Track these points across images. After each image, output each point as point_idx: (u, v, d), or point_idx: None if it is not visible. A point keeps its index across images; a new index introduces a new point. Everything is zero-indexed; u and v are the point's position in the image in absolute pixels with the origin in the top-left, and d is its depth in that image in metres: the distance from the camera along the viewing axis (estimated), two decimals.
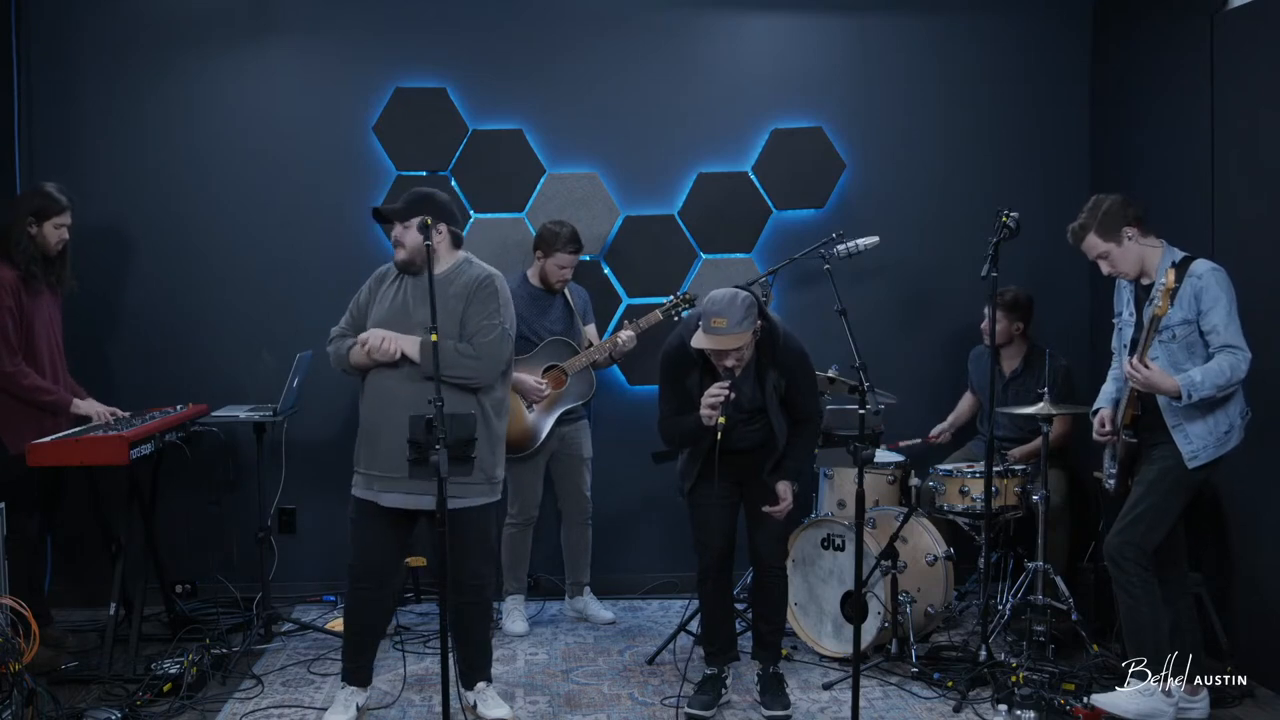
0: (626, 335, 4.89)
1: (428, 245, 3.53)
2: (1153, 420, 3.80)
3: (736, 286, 3.81)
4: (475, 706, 3.85)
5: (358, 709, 3.82)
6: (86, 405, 4.49)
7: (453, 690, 3.40)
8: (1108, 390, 4.07)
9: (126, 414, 4.64)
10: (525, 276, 4.96)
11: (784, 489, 3.90)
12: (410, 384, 3.63)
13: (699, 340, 3.69)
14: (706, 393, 3.73)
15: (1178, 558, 3.95)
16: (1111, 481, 4.00)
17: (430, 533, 3.79)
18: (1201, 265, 3.73)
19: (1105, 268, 3.85)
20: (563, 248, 4.83)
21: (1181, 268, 3.72)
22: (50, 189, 4.43)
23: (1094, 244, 3.83)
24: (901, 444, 5.12)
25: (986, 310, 4.91)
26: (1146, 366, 3.67)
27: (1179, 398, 3.64)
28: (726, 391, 3.68)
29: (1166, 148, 4.85)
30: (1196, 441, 3.72)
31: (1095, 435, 4.01)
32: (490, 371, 3.69)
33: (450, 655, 3.45)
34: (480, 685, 3.89)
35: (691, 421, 3.79)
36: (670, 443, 4.01)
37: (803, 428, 3.93)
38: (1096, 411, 4.03)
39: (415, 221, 3.67)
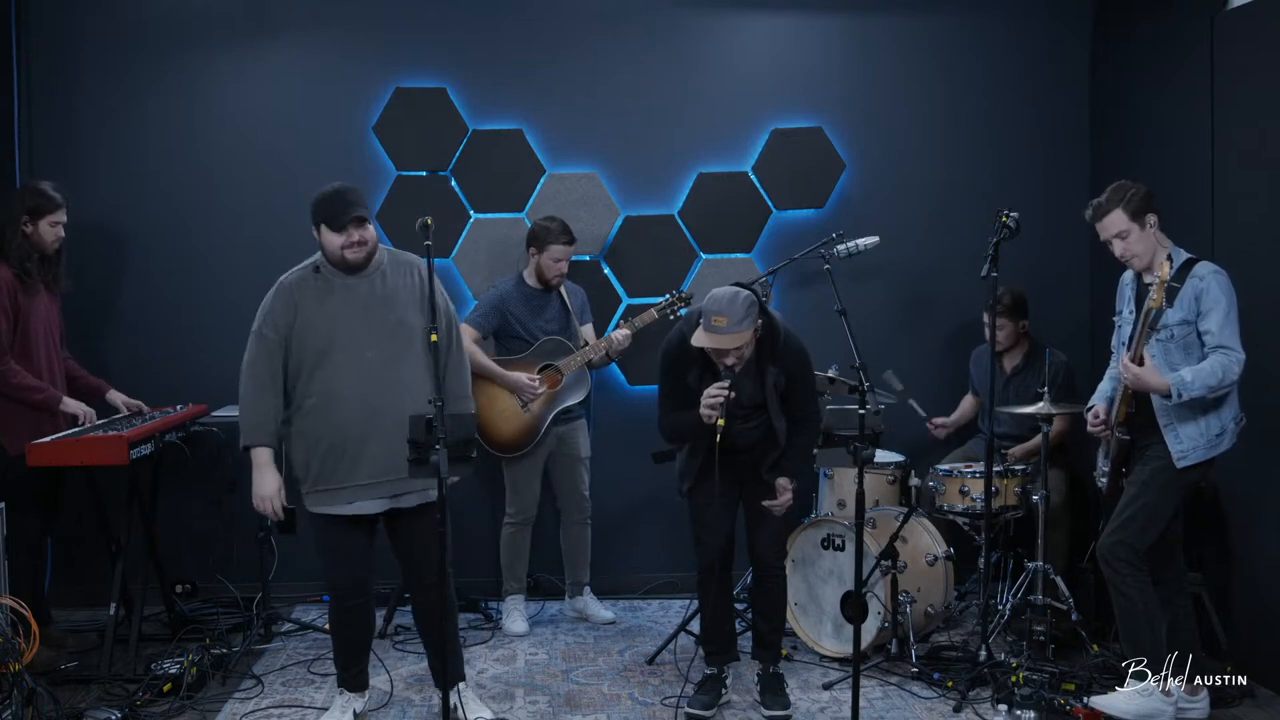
0: (622, 335, 4.90)
1: (427, 245, 3.51)
2: (1146, 419, 3.80)
3: (737, 285, 3.81)
4: (456, 709, 3.80)
5: (355, 715, 3.81)
6: (71, 404, 4.48)
7: (452, 690, 3.39)
8: (1104, 388, 4.07)
9: (124, 413, 4.65)
10: (521, 276, 4.96)
11: (784, 483, 3.90)
12: (388, 395, 3.59)
13: (699, 339, 3.69)
14: (706, 392, 3.72)
15: (1173, 557, 3.95)
16: (1103, 480, 4.00)
17: (387, 535, 3.82)
18: (1204, 267, 3.73)
19: (1119, 248, 3.81)
20: (555, 239, 4.83)
21: (1185, 268, 3.72)
22: (44, 186, 4.42)
23: (1117, 220, 3.77)
24: (912, 401, 4.97)
25: (985, 317, 4.90)
26: (1140, 363, 3.67)
27: (1169, 396, 3.64)
28: (726, 391, 3.68)
29: (1166, 148, 4.85)
30: (1186, 442, 3.72)
31: (1089, 429, 4.01)
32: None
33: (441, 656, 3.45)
34: (460, 686, 3.87)
35: (691, 418, 3.79)
36: (670, 439, 4.01)
37: (802, 427, 3.92)
38: (1091, 408, 4.03)
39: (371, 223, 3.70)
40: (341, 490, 3.65)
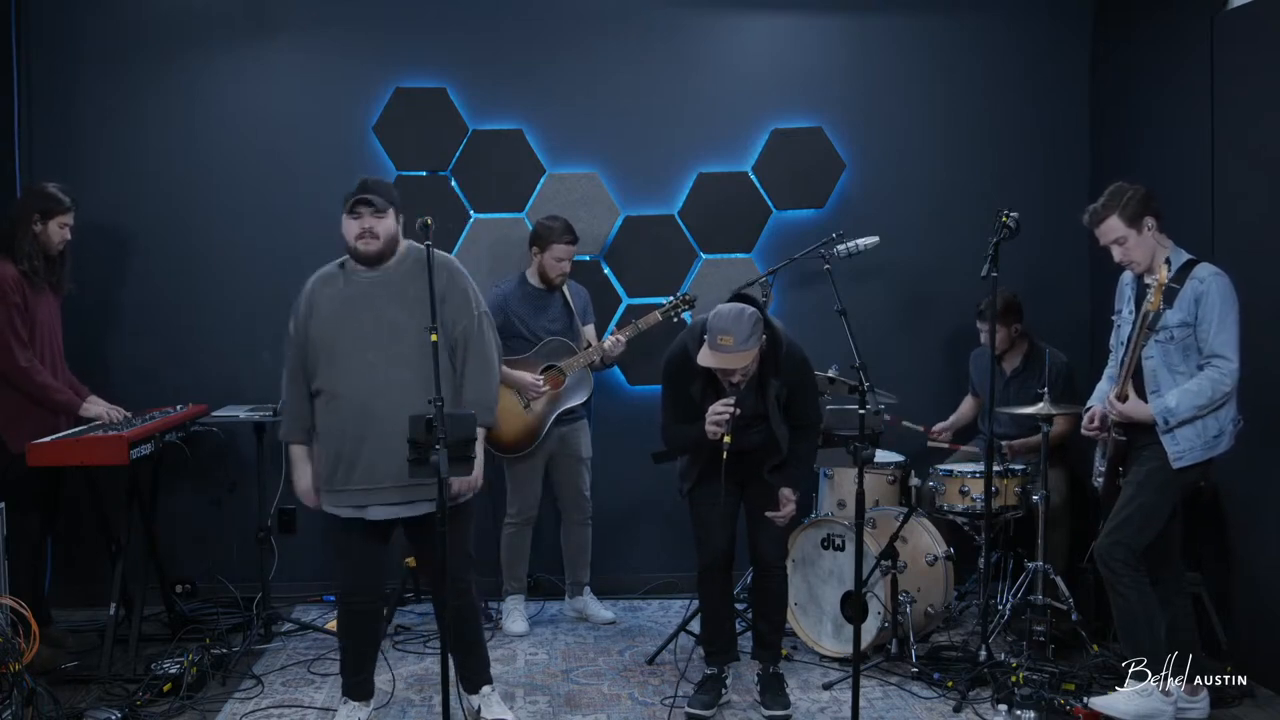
0: (612, 342, 4.88)
1: (428, 245, 3.45)
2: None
3: (736, 293, 3.80)
4: (479, 711, 3.82)
5: None
6: (94, 406, 4.48)
7: (453, 691, 3.39)
8: (1102, 389, 4.07)
9: (129, 414, 4.65)
10: (524, 276, 4.97)
11: (787, 494, 3.90)
12: (387, 398, 3.50)
13: (705, 358, 3.67)
14: (711, 410, 3.72)
15: (1171, 558, 3.94)
16: (1099, 480, 4.00)
17: (406, 540, 3.80)
18: (1205, 269, 3.72)
19: (1118, 253, 3.80)
20: (558, 238, 4.83)
21: (1186, 269, 3.72)
22: (54, 189, 4.44)
23: (1114, 227, 3.76)
24: (904, 422, 5.06)
25: (980, 325, 4.91)
26: (1124, 399, 3.71)
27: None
28: (732, 409, 3.67)
29: (1166, 148, 4.85)
30: (1183, 443, 3.71)
31: (1083, 430, 4.01)
32: (496, 376, 3.73)
33: (450, 658, 3.44)
34: (485, 689, 3.85)
35: (695, 432, 3.79)
36: (673, 450, 4.01)
37: (803, 434, 3.92)
38: (1089, 409, 4.03)
39: (391, 212, 3.61)
40: (344, 493, 3.60)
